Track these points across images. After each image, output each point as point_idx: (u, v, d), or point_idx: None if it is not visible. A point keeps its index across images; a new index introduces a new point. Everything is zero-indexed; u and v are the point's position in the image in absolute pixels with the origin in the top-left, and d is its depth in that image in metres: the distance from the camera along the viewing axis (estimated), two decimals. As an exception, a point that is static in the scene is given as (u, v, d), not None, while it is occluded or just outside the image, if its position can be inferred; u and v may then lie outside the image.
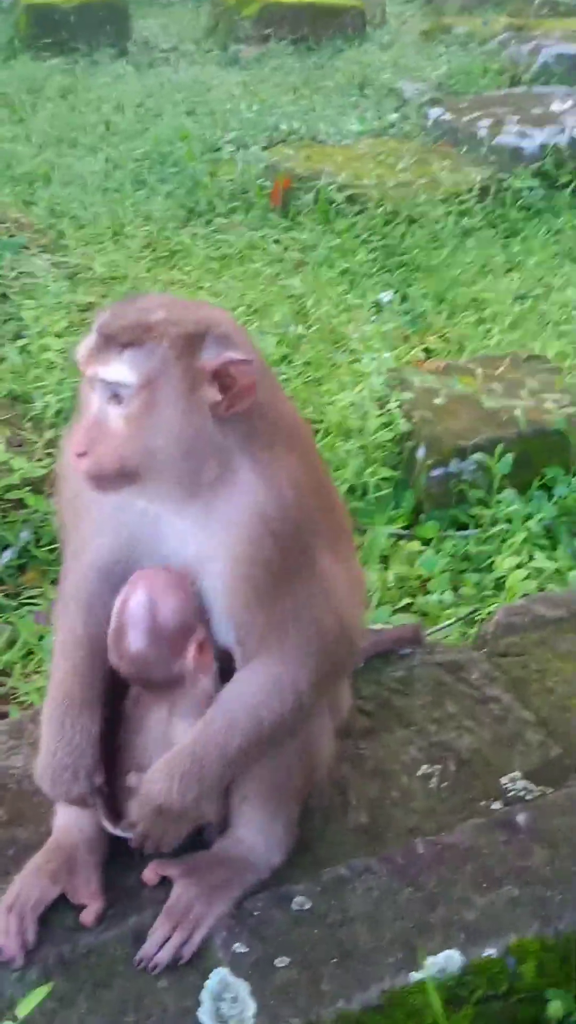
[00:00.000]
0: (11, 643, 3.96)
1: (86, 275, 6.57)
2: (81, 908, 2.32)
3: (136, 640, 2.21)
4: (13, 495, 4.36)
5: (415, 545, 4.21)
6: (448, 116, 8.56)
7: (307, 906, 2.34)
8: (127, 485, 2.09)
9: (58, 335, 5.71)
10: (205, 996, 2.16)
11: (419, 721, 2.88)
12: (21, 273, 6.54)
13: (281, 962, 2.23)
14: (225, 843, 2.40)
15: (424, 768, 2.73)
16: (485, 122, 8.19)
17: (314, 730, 2.40)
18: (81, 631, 2.31)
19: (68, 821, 2.42)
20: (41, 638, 3.92)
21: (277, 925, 2.30)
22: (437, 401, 4.73)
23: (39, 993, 1.99)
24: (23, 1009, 2.03)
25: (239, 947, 2.25)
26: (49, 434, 4.72)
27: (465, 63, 11.21)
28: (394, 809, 2.62)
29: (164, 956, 2.22)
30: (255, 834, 2.39)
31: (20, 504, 4.36)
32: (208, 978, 2.19)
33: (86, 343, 2.06)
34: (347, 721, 2.69)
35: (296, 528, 2.12)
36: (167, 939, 2.24)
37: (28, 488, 4.38)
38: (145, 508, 2.20)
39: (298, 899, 2.36)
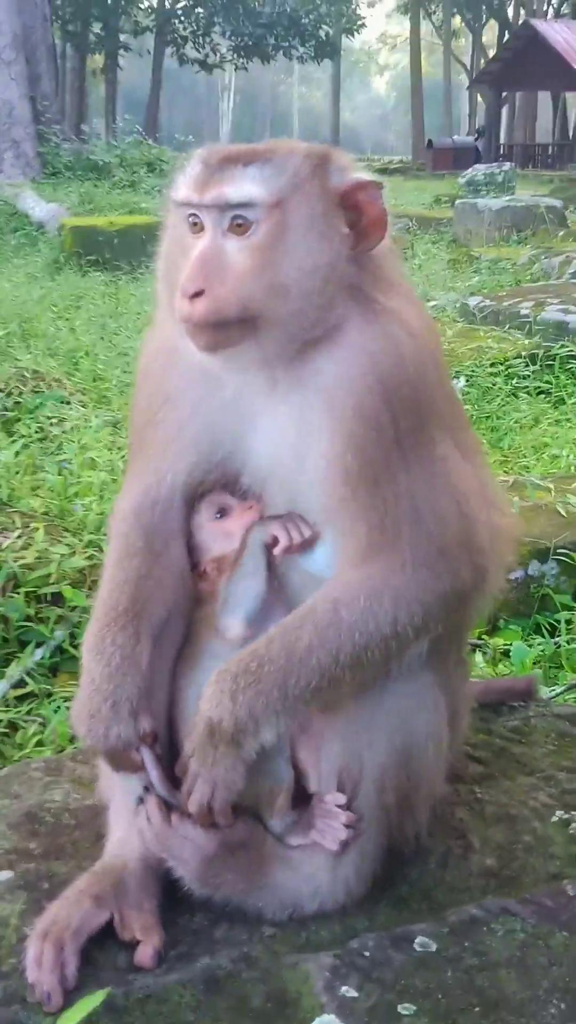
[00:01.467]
0: (39, 742, 3.45)
1: (128, 424, 6.38)
2: (136, 946, 1.77)
3: None
4: (50, 590, 3.94)
5: (499, 642, 3.74)
6: (489, 303, 8.61)
7: (432, 948, 1.78)
8: (243, 339, 1.71)
9: (98, 466, 5.45)
10: (308, 1046, 1.60)
11: (545, 768, 2.37)
12: (63, 418, 6.38)
13: (406, 1010, 1.66)
14: (285, 852, 1.87)
15: (560, 814, 2.20)
16: (527, 304, 8.23)
17: (412, 707, 1.83)
18: (141, 543, 1.91)
19: (122, 836, 1.89)
20: (72, 737, 3.42)
21: (397, 967, 1.74)
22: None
23: (91, 1001, 1.40)
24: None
25: (347, 991, 1.69)
26: (89, 536, 4.34)
27: (496, 277, 11.50)
28: (529, 854, 2.08)
29: None
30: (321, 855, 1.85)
31: (57, 599, 3.93)
32: (308, 1026, 1.62)
33: (189, 176, 1.73)
34: (454, 765, 2.20)
35: (413, 390, 1.72)
36: None
37: (67, 582, 3.96)
38: (233, 397, 1.84)
39: (420, 940, 1.80)
